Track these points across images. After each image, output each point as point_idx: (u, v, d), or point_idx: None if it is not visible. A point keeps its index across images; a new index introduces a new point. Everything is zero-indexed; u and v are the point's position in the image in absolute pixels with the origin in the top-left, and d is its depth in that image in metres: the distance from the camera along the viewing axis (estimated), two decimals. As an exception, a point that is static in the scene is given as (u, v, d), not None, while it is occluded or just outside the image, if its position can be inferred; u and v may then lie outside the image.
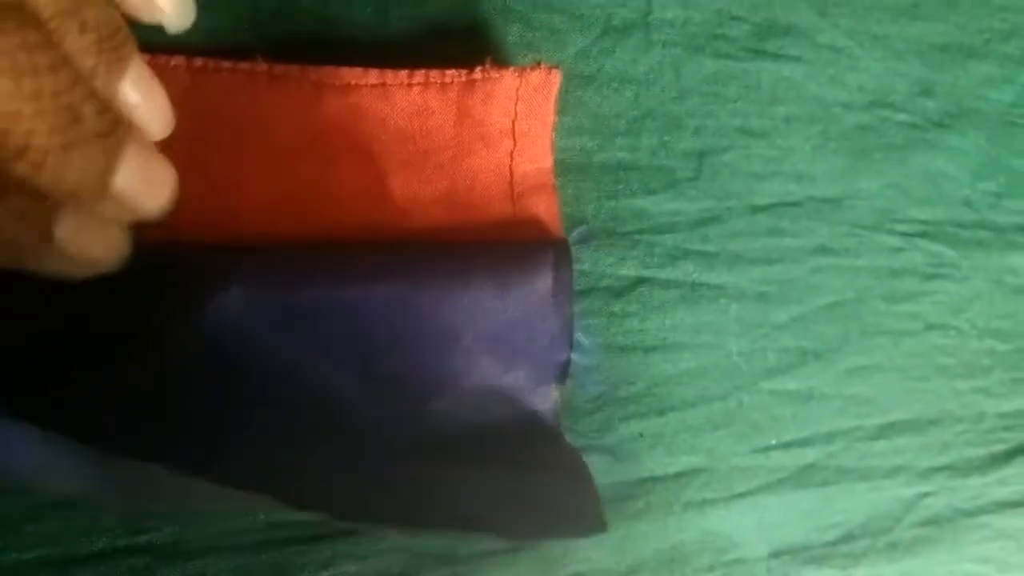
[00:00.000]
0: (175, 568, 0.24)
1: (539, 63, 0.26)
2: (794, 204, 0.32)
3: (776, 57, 0.31)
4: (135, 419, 0.23)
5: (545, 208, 0.27)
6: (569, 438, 0.28)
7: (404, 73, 0.25)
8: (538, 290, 0.26)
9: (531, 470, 0.26)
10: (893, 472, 0.33)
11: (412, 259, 0.25)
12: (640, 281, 0.29)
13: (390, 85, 0.25)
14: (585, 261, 0.29)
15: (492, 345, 0.26)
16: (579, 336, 0.28)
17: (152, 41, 0.24)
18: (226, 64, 0.24)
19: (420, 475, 0.25)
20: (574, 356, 0.27)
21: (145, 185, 0.20)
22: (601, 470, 0.29)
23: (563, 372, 0.27)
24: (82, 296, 0.23)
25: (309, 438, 0.25)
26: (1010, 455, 0.36)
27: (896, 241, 0.33)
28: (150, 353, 0.23)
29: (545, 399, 0.27)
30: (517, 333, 0.26)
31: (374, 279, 0.25)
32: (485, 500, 0.25)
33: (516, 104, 0.26)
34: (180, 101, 0.24)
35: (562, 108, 0.27)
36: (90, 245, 0.20)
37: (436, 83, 0.26)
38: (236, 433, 0.24)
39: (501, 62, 0.27)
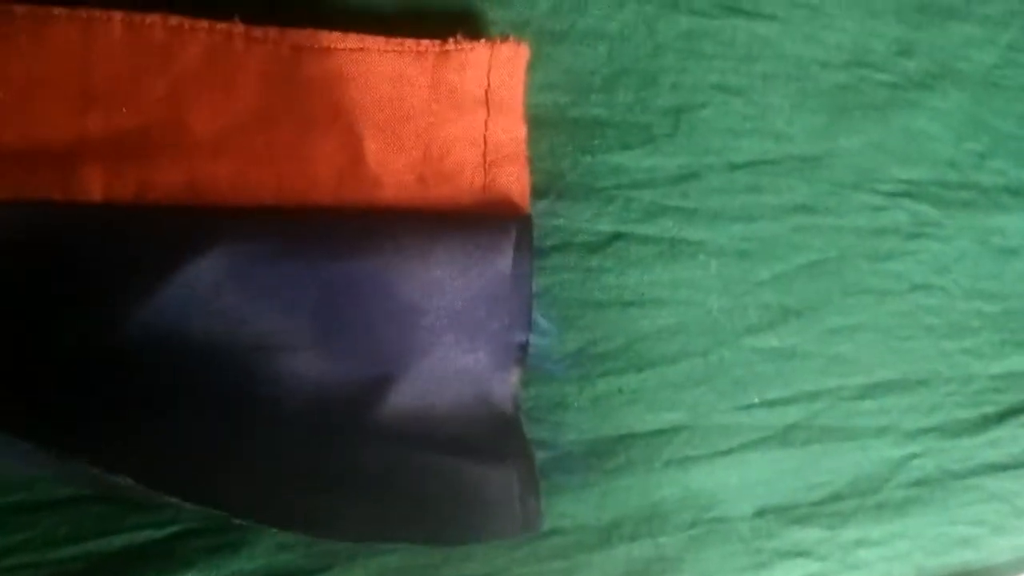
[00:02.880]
0: (146, 515, 0.24)
1: (507, 37, 0.26)
2: (773, 162, 0.32)
3: (751, 15, 0.31)
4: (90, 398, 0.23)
5: (516, 178, 0.27)
6: (546, 393, 0.28)
7: (382, 39, 0.26)
8: (499, 268, 0.26)
9: (477, 465, 0.26)
10: (880, 432, 0.33)
11: (378, 234, 0.25)
12: (617, 236, 0.29)
13: (368, 50, 0.26)
14: (561, 216, 0.29)
15: (454, 323, 0.26)
16: (538, 317, 0.28)
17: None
18: (203, 24, 0.25)
19: (357, 468, 0.25)
20: (533, 337, 0.27)
21: None
22: (579, 426, 0.29)
23: (522, 353, 0.27)
24: (44, 256, 0.23)
25: (247, 425, 0.25)
26: (1001, 417, 0.35)
27: (878, 200, 0.33)
28: (112, 320, 0.24)
29: (504, 383, 0.27)
30: (478, 311, 0.26)
31: (340, 254, 0.25)
32: (421, 500, 0.25)
33: (489, 74, 0.27)
34: (155, 60, 0.24)
35: (534, 64, 0.27)
36: None
37: (412, 51, 0.26)
38: (179, 411, 0.24)
39: (472, 17, 0.28)
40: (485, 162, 0.27)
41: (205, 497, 0.23)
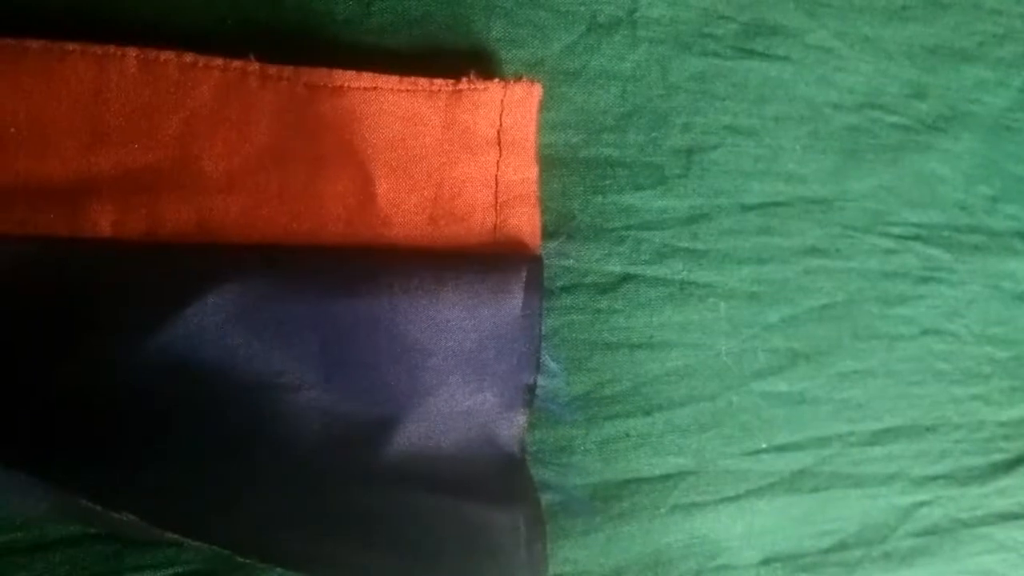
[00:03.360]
0: (145, 555, 0.24)
1: (520, 76, 0.26)
2: (784, 204, 0.31)
3: (764, 56, 0.31)
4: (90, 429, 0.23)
5: (527, 219, 0.27)
6: (552, 436, 0.28)
7: (395, 78, 0.25)
8: (509, 309, 0.26)
9: (483, 508, 0.26)
10: (888, 480, 0.33)
11: (386, 274, 0.25)
12: (627, 278, 0.29)
13: (382, 89, 0.25)
14: (571, 256, 0.28)
15: (461, 363, 0.26)
16: (546, 359, 0.27)
17: (137, 31, 0.24)
18: (217, 62, 0.25)
19: (361, 509, 0.25)
20: (541, 379, 0.27)
21: None
22: (585, 469, 0.28)
23: (530, 395, 0.26)
24: (49, 291, 0.23)
25: (252, 464, 0.25)
26: (1010, 465, 0.35)
27: (889, 243, 0.33)
28: (117, 356, 0.23)
29: (511, 425, 0.27)
30: (486, 352, 0.26)
31: (348, 293, 0.25)
32: (426, 543, 0.25)
33: (501, 115, 0.26)
34: (168, 96, 0.24)
35: (546, 103, 0.27)
36: None
37: (424, 90, 0.26)
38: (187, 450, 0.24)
39: (485, 56, 0.27)
40: (496, 203, 0.27)
41: (209, 535, 0.22)
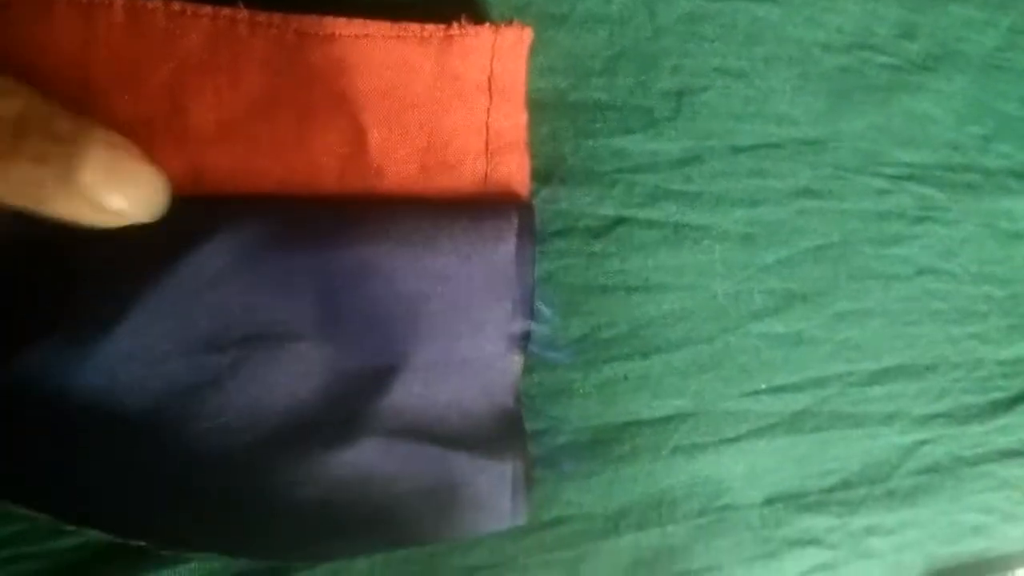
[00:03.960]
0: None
1: (511, 20, 0.26)
2: (776, 145, 0.31)
3: (752, -3, 0.31)
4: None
5: (517, 165, 0.27)
6: (550, 380, 0.28)
7: (386, 25, 0.25)
8: (502, 256, 0.26)
9: (472, 458, 0.26)
10: (888, 419, 0.33)
11: (380, 223, 0.25)
12: (620, 221, 0.29)
13: (373, 36, 0.25)
14: (563, 200, 0.28)
15: (456, 312, 0.26)
16: (539, 305, 0.27)
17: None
18: (206, 9, 0.24)
19: (351, 465, 0.25)
20: (536, 326, 0.27)
21: (119, 191, 0.20)
22: (585, 412, 0.28)
23: (524, 342, 0.26)
24: (41, 250, 0.23)
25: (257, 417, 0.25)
26: (1010, 403, 0.35)
27: (882, 184, 0.33)
28: (115, 309, 0.23)
29: (505, 372, 0.26)
30: (480, 300, 0.26)
31: (342, 243, 0.25)
32: (408, 499, 0.25)
33: (492, 61, 0.26)
34: (157, 46, 0.24)
35: (534, 48, 0.27)
36: (119, 193, 0.20)
37: (416, 36, 0.26)
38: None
39: (472, 2, 0.27)
40: (487, 150, 0.27)
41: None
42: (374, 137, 0.26)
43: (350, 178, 0.26)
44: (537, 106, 0.28)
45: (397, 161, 0.26)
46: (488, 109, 0.27)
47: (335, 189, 0.26)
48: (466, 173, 0.26)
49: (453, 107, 0.26)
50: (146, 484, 0.23)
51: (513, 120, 0.27)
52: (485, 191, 0.27)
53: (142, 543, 0.23)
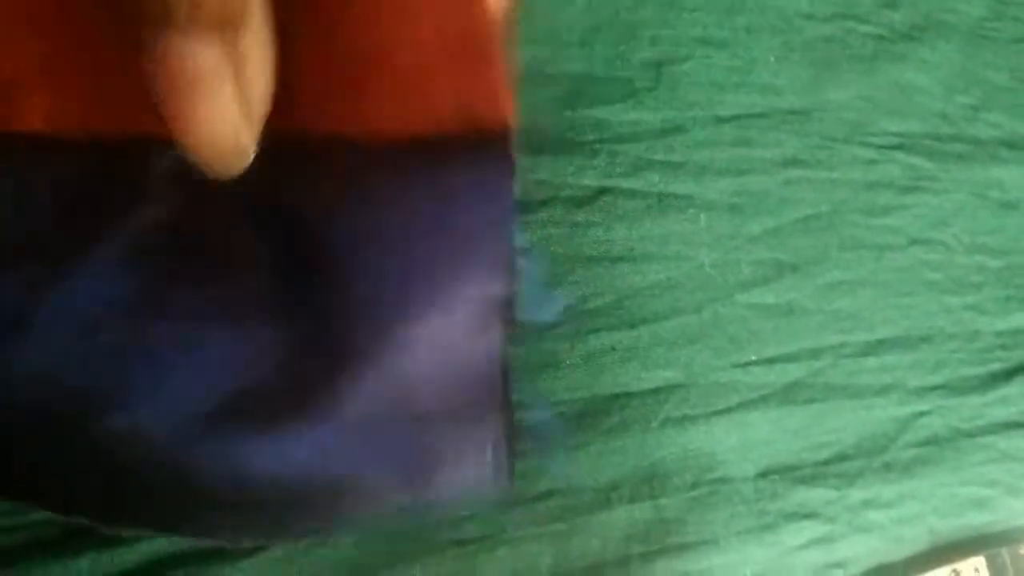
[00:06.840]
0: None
1: None
2: (760, 115, 0.31)
3: (731, -32, 0.31)
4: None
5: (501, 104, 0.26)
6: (536, 351, 0.28)
7: None
8: (481, 215, 0.25)
9: (454, 429, 0.25)
10: (884, 390, 0.32)
11: (365, 185, 0.25)
12: (603, 191, 0.29)
13: None
14: (543, 170, 0.28)
15: (440, 274, 0.25)
16: (525, 268, 0.27)
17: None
18: None
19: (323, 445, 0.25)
20: (519, 289, 0.26)
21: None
22: (573, 384, 0.28)
23: (507, 309, 0.26)
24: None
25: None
26: (1010, 374, 0.34)
27: (871, 153, 0.33)
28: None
29: (487, 340, 0.26)
30: (458, 264, 0.25)
31: (315, 201, 0.24)
32: (381, 472, 0.25)
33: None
34: None
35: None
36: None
37: None
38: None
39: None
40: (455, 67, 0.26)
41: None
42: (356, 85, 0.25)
43: (329, 122, 0.25)
44: (516, 77, 0.28)
45: (374, 108, 0.25)
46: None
47: (317, 135, 0.25)
48: (445, 119, 0.26)
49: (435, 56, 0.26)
50: (86, 460, 0.23)
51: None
52: (463, 141, 0.26)
53: (84, 521, 0.22)
